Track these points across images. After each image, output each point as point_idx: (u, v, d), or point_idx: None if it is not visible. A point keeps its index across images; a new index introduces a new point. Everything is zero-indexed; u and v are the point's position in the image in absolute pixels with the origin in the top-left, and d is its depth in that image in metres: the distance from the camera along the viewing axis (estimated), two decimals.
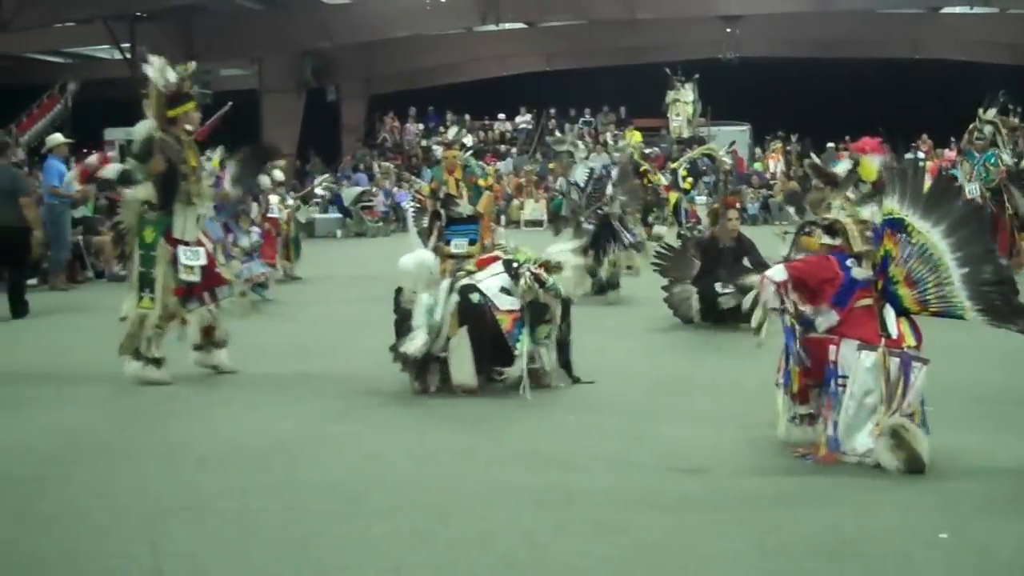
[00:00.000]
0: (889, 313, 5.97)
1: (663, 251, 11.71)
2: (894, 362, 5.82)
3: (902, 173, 5.98)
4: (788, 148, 31.73)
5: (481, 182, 12.53)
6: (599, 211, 12.99)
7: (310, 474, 6.03)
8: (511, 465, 6.15)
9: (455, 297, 7.97)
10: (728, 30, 31.15)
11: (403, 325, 8.08)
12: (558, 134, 27.06)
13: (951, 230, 5.77)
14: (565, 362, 8.29)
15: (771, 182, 29.80)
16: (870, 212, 6.21)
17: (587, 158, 15.56)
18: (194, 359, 8.73)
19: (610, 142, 32.08)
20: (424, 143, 34.32)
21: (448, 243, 10.96)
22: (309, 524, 5.18)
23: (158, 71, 8.53)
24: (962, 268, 5.75)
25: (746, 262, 10.75)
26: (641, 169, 16.83)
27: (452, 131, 25.69)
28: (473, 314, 7.97)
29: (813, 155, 9.61)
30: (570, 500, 5.47)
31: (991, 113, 14.94)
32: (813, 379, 6.13)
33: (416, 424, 7.25)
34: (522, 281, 7.99)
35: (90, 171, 8.75)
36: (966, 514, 5.16)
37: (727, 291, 10.66)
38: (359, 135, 35.53)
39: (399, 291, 8.20)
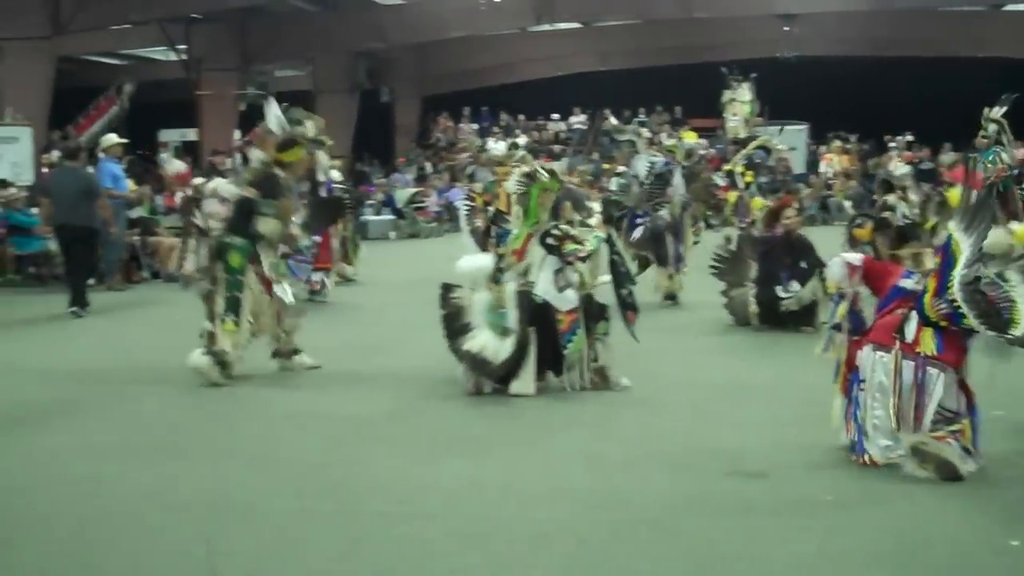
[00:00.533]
0: (912, 319, 5.88)
1: (720, 254, 11.56)
2: (908, 365, 5.80)
3: (972, 197, 5.91)
4: (847, 147, 31.37)
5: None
6: (657, 208, 12.76)
7: (364, 475, 6.00)
8: (567, 466, 6.09)
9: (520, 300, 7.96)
10: (786, 28, 30.83)
11: (454, 322, 8.04)
12: (613, 120, 26.80)
13: (977, 238, 5.71)
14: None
15: (830, 181, 29.45)
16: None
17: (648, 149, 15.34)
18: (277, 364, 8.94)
19: (664, 142, 32.03)
20: (477, 143, 34.32)
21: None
22: (363, 525, 5.15)
23: (275, 117, 9.20)
24: (962, 270, 5.68)
25: (803, 264, 10.62)
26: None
27: (503, 145, 25.62)
28: (538, 316, 7.92)
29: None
30: (627, 503, 5.40)
31: (997, 112, 14.75)
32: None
33: (470, 425, 7.20)
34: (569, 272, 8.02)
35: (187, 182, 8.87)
36: None
37: (788, 295, 10.54)
38: (412, 136, 35.60)
39: (447, 288, 8.17)
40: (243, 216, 8.60)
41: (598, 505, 5.37)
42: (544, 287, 8.03)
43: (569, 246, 7.98)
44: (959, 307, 5.65)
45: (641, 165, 13.72)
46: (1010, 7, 30.06)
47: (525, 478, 5.88)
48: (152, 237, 16.51)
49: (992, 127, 14.64)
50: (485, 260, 8.37)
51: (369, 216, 24.97)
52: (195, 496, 5.64)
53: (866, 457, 5.90)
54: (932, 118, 27.89)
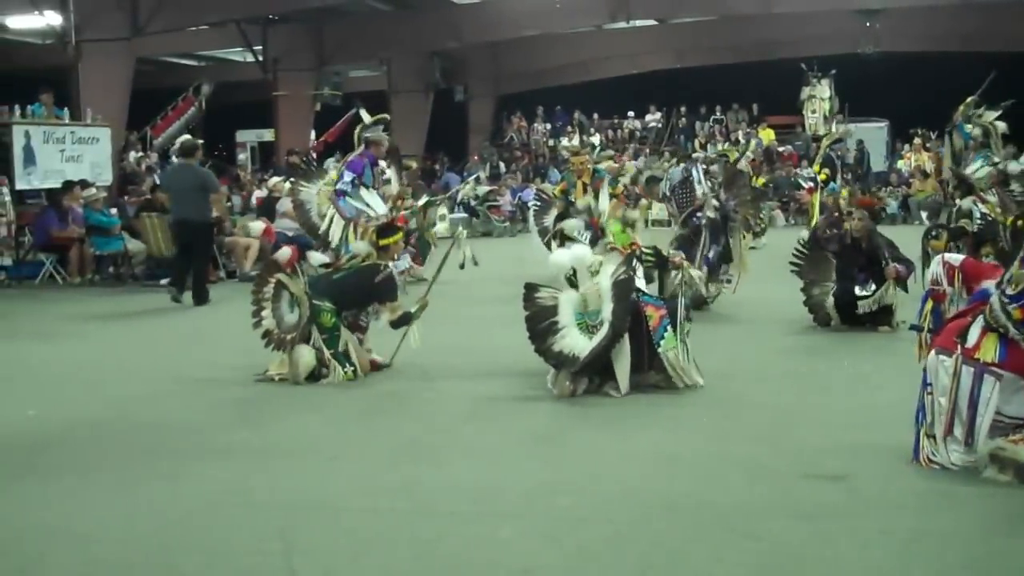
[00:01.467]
0: (977, 324, 5.76)
1: (800, 251, 11.40)
2: (967, 371, 5.69)
3: None
4: (928, 145, 30.85)
5: (609, 189, 12.34)
6: (694, 218, 12.49)
7: (439, 474, 6.01)
8: (643, 468, 6.05)
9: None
10: (867, 24, 30.41)
11: (539, 323, 7.98)
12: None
13: None
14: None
15: (910, 180, 28.98)
16: None
17: (669, 168, 15.35)
18: None
19: (741, 140, 31.74)
20: (551, 143, 34.30)
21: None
22: (438, 524, 5.15)
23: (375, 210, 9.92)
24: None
25: (883, 262, 10.46)
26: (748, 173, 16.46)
27: (575, 139, 25.54)
28: (633, 311, 7.86)
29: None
30: (703, 505, 5.35)
31: (991, 116, 14.39)
32: None
33: (546, 425, 7.19)
34: (675, 275, 8.01)
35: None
36: None
37: (865, 294, 10.39)
38: (486, 135, 35.68)
39: (530, 288, 8.13)
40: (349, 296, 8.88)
41: (674, 507, 5.33)
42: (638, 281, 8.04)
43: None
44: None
45: (665, 187, 13.70)
46: None
47: (600, 479, 5.85)
48: (229, 237, 16.71)
49: (978, 131, 14.34)
50: (584, 251, 8.34)
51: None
52: (272, 494, 5.69)
53: (922, 459, 5.82)
54: (1017, 115, 27.33)
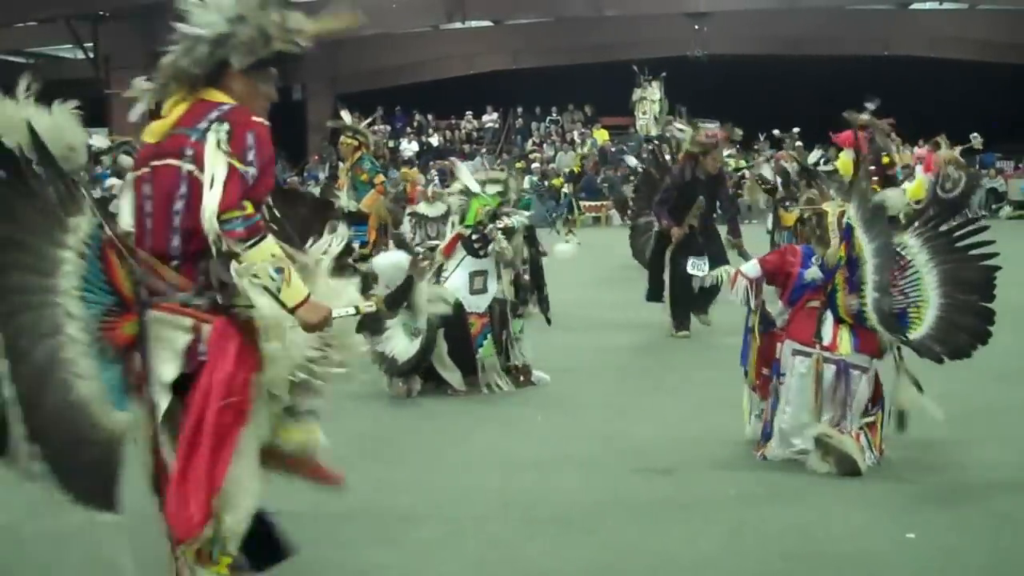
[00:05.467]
0: (827, 318, 5.99)
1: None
2: (830, 369, 5.88)
3: (858, 184, 6.08)
4: (756, 147, 31.77)
5: (364, 177, 11.76)
6: None
7: (274, 477, 5.95)
8: (480, 467, 6.12)
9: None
10: (696, 27, 31.20)
11: (370, 324, 7.98)
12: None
13: (876, 253, 5.85)
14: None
15: (742, 180, 29.75)
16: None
17: None
18: None
19: (577, 140, 32.23)
20: (391, 143, 34.19)
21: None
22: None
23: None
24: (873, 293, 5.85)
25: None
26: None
27: (415, 145, 24.99)
28: (450, 318, 7.94)
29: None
30: (539, 502, 5.44)
31: (866, 116, 15.11)
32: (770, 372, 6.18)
33: (383, 425, 7.21)
34: (493, 245, 8.06)
35: None
36: (933, 514, 5.17)
37: (697, 272, 10.26)
38: (325, 134, 35.34)
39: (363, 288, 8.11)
40: None
41: (510, 504, 5.41)
42: (458, 288, 8.07)
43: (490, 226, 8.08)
44: (865, 308, 5.80)
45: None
46: (916, 6, 30.72)
47: (438, 478, 5.90)
48: None
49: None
50: (400, 257, 8.38)
51: None
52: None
53: (760, 451, 6.03)
54: (840, 117, 28.36)
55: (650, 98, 30.98)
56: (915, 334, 5.83)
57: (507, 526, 5.10)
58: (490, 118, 35.32)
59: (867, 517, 5.14)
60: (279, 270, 3.42)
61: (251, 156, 3.51)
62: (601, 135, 32.15)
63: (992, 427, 6.72)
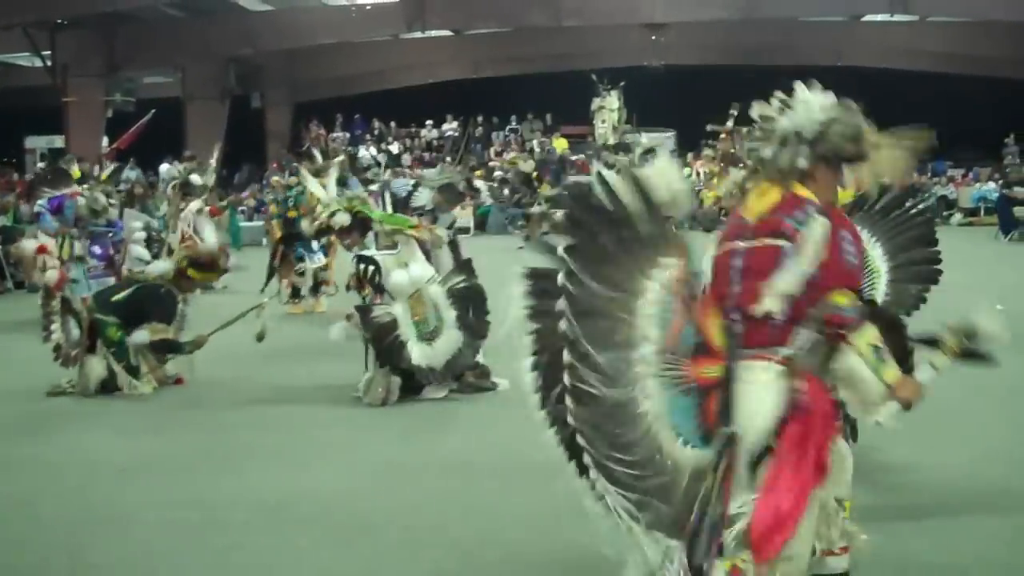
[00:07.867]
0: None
1: None
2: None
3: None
4: (713, 156, 32.02)
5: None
6: None
7: (235, 484, 5.98)
8: (441, 473, 6.15)
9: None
10: (653, 37, 31.38)
11: (383, 342, 7.94)
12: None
13: None
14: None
15: (697, 188, 29.99)
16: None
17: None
18: None
19: (536, 149, 32.31)
20: (350, 151, 34.14)
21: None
22: (232, 535, 5.14)
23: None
24: None
25: None
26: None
27: (373, 151, 24.80)
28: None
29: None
30: (498, 508, 5.48)
31: (730, 124, 15.30)
32: None
33: (344, 433, 7.23)
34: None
35: None
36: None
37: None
38: (284, 142, 35.25)
39: (364, 310, 8.03)
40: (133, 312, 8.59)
41: (469, 511, 5.44)
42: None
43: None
44: None
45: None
46: (868, 18, 31.08)
47: (398, 485, 5.95)
48: (14, 245, 16.07)
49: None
50: (426, 270, 8.29)
51: (241, 222, 24.76)
52: (59, 510, 5.57)
53: None
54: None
55: (608, 107, 31.04)
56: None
57: (466, 532, 5.12)
58: (450, 127, 35.33)
59: None
60: (877, 348, 3.57)
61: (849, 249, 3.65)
62: (560, 144, 32.25)
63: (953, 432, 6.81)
